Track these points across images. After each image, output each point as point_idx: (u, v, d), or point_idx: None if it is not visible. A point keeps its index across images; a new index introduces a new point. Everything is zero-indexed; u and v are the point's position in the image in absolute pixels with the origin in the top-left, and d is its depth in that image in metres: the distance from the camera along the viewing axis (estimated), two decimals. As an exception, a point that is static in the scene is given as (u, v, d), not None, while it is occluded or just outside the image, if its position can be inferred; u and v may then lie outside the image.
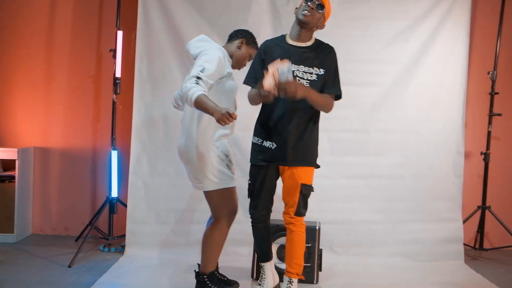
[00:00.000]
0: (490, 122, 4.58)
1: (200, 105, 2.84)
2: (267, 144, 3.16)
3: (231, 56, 3.34)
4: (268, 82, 2.77)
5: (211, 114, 2.82)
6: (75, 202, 4.81)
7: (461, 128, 4.42)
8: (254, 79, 3.12)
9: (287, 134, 3.09)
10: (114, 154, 4.32)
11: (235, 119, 2.78)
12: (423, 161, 4.40)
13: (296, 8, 3.13)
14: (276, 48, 3.11)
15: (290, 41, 3.13)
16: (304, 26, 3.06)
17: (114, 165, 4.31)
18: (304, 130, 3.13)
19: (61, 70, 4.74)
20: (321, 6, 3.04)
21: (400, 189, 4.39)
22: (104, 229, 4.54)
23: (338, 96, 3.22)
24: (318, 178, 4.12)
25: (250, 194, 3.26)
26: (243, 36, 3.36)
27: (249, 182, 3.26)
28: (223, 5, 4.31)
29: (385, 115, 4.39)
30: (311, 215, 3.94)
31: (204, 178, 3.17)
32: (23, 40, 4.73)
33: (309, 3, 3.01)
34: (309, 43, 3.13)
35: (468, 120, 4.65)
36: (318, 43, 3.17)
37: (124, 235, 4.33)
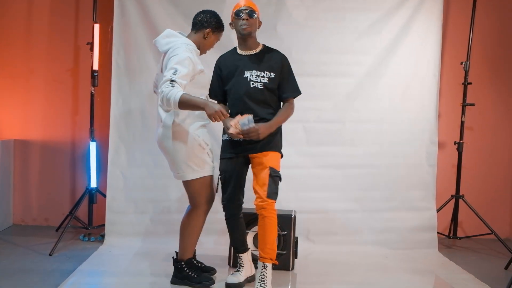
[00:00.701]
0: (463, 112, 4.64)
1: (186, 104, 2.94)
2: (235, 139, 3.27)
3: (198, 45, 3.34)
4: (232, 131, 3.08)
5: (202, 108, 2.94)
6: (55, 193, 4.86)
7: (434, 118, 4.48)
8: (215, 96, 3.40)
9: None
10: (93, 146, 4.37)
11: (226, 117, 2.96)
12: (397, 150, 4.46)
13: (230, 23, 3.33)
14: (228, 60, 3.34)
15: (240, 51, 3.34)
16: (248, 37, 3.27)
17: (93, 156, 4.36)
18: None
19: (40, 63, 4.77)
20: (252, 12, 3.22)
21: (375, 178, 4.46)
22: (84, 219, 4.60)
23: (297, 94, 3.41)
24: (294, 168, 4.30)
25: (222, 187, 3.35)
26: (209, 25, 3.35)
27: (220, 176, 3.36)
28: None
29: (360, 105, 4.44)
30: (287, 205, 4.05)
31: (186, 167, 3.23)
32: (0, 34, 4.75)
33: (241, 16, 3.21)
34: (257, 49, 3.33)
35: (441, 110, 4.73)
36: (266, 49, 3.36)
37: (103, 225, 4.39)
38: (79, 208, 4.44)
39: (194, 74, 3.17)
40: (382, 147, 4.46)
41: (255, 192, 3.25)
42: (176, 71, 3.01)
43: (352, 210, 4.45)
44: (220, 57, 3.43)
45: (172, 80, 2.97)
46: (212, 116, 2.90)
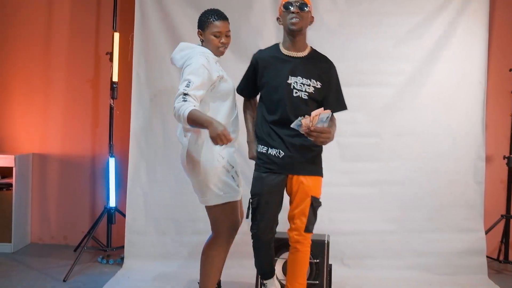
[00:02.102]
0: (513, 123, 4.25)
1: (194, 121, 2.61)
2: (273, 152, 2.91)
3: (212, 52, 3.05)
4: (305, 123, 2.62)
5: (206, 127, 2.60)
6: (75, 210, 4.64)
7: (481, 130, 4.12)
8: (241, 92, 3.09)
9: (295, 141, 2.87)
10: (112, 162, 4.14)
11: (230, 141, 2.60)
12: (440, 166, 4.12)
13: (278, 18, 2.95)
14: (271, 60, 2.94)
15: (285, 51, 2.94)
16: (298, 34, 2.88)
17: (112, 173, 4.13)
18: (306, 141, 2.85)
19: (59, 73, 4.59)
20: (304, 5, 2.84)
21: (416, 196, 4.12)
22: (103, 239, 4.36)
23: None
24: (327, 186, 3.85)
25: (253, 213, 2.94)
26: (197, 27, 3.05)
27: (251, 200, 2.95)
28: (223, 4, 3.94)
29: (398, 117, 4.13)
30: (319, 226, 3.65)
31: (208, 191, 2.92)
32: (20, 44, 4.60)
33: (291, 9, 2.82)
34: (305, 52, 2.95)
35: (488, 122, 4.34)
36: (315, 53, 3.00)
37: (123, 246, 4.14)
38: (97, 227, 4.20)
39: (213, 82, 2.86)
40: (424, 162, 4.12)
41: (291, 221, 2.91)
42: (190, 82, 2.72)
43: (391, 231, 4.11)
44: (259, 53, 3.01)
45: (185, 94, 2.68)
46: (214, 139, 2.55)
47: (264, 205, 2.89)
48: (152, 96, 4.15)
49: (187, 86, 2.71)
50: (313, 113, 2.60)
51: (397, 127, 4.13)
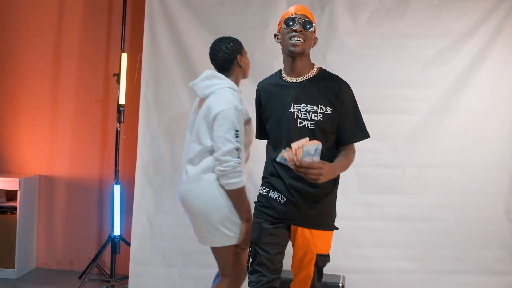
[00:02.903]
0: (551, 156, 3.87)
1: (239, 197, 2.65)
2: (274, 195, 2.52)
3: (238, 82, 2.93)
4: (287, 155, 2.24)
5: (244, 213, 2.70)
6: (81, 235, 4.47)
7: (514, 162, 3.79)
8: (260, 136, 2.78)
9: (301, 186, 2.45)
10: (117, 189, 3.95)
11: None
12: (469, 202, 3.79)
13: (276, 35, 2.55)
14: (273, 89, 2.55)
15: (286, 77, 2.52)
16: (299, 56, 2.45)
17: (116, 201, 3.95)
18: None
19: (68, 94, 4.43)
20: (308, 23, 2.43)
21: (441, 234, 3.81)
22: (109, 268, 4.16)
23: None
24: (344, 219, 3.57)
25: (250, 265, 2.55)
26: (236, 52, 2.88)
27: (250, 248, 2.59)
28: (237, 24, 3.86)
29: (423, 147, 3.83)
30: (335, 263, 3.34)
31: (215, 231, 2.71)
32: (28, 63, 4.46)
33: (293, 26, 2.41)
34: (311, 74, 2.50)
35: (523, 153, 3.97)
36: (323, 73, 2.53)
37: (128, 276, 3.94)
38: (102, 255, 4.03)
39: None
40: (450, 197, 3.81)
41: (294, 275, 2.61)
42: (238, 132, 2.65)
43: (413, 271, 3.80)
44: (260, 83, 2.67)
45: (237, 149, 2.63)
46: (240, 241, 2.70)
47: (262, 259, 2.47)
48: (160, 120, 3.95)
49: (237, 136, 2.61)
50: (294, 145, 2.21)
51: (422, 157, 3.83)
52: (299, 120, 2.42)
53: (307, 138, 2.25)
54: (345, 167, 2.48)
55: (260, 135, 2.75)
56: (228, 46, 2.86)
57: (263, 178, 2.65)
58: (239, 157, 2.61)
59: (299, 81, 2.48)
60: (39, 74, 4.45)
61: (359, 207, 3.82)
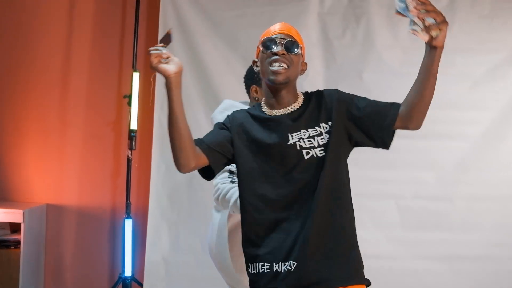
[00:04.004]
0: None
1: None
2: (281, 267, 1.82)
3: None
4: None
5: None
6: (92, 270, 4.10)
7: None
8: (199, 144, 1.93)
9: (306, 239, 1.80)
10: (128, 224, 3.61)
11: None
12: None
13: (254, 62, 2.00)
14: (254, 126, 1.95)
15: (269, 111, 1.94)
16: (284, 86, 1.91)
17: (128, 237, 3.60)
18: (331, 223, 1.84)
19: (77, 116, 4.09)
20: (293, 44, 1.89)
21: (495, 276, 3.48)
22: (121, 310, 3.81)
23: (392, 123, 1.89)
24: (384, 259, 3.37)
25: None
26: (251, 83, 2.58)
27: None
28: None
29: (474, 177, 3.50)
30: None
31: (238, 285, 2.53)
32: (35, 83, 4.13)
33: (274, 49, 1.86)
34: (299, 102, 1.94)
35: None
36: (308, 96, 1.99)
37: (141, 322, 3.60)
38: (114, 296, 3.66)
39: None
40: (506, 234, 3.48)
41: None
42: None
43: (464, 319, 3.43)
44: (233, 113, 2.03)
45: (231, 172, 2.37)
46: None
47: None
48: None
49: None
50: None
51: (473, 189, 3.50)
52: (304, 151, 1.86)
53: None
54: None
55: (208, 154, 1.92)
56: (249, 72, 2.61)
57: (244, 251, 1.94)
58: (233, 181, 2.36)
59: (287, 112, 1.93)
60: (46, 94, 4.13)
61: (400, 245, 3.52)
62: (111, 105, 4.07)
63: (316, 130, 1.89)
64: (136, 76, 3.61)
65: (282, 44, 1.87)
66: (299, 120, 1.91)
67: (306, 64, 2.00)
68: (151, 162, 3.64)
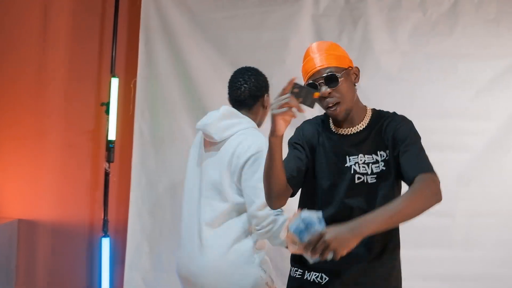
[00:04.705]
0: None
1: None
2: (311, 277, 1.95)
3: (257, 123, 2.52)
4: (290, 246, 1.74)
5: None
6: (68, 291, 3.88)
7: None
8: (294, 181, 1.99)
9: (350, 258, 1.80)
10: (106, 243, 3.37)
11: None
12: None
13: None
14: (318, 135, 2.01)
15: (336, 129, 1.99)
16: (346, 116, 1.93)
17: (105, 257, 3.36)
18: (379, 246, 1.94)
19: (53, 124, 3.86)
20: (332, 77, 1.86)
21: None
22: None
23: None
24: None
25: None
26: (264, 89, 2.54)
27: None
28: (252, 42, 3.40)
29: (477, 191, 3.29)
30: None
31: None
32: (9, 89, 3.90)
33: (321, 94, 1.85)
34: (365, 121, 1.97)
35: None
36: (376, 115, 2.01)
37: None
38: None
39: None
40: (510, 251, 3.25)
41: None
42: None
43: None
44: (305, 123, 2.11)
45: None
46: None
47: None
48: (158, 159, 3.41)
49: None
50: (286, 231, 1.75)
51: (476, 204, 3.29)
52: (357, 176, 1.92)
53: (298, 210, 1.85)
54: (396, 213, 1.72)
55: (294, 184, 1.98)
56: (259, 79, 2.49)
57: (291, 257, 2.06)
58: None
59: (352, 132, 1.97)
60: (20, 101, 3.90)
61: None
62: (90, 113, 3.84)
63: (370, 157, 1.93)
64: (114, 82, 3.38)
65: (323, 82, 1.86)
66: (360, 144, 1.94)
67: (356, 68, 1.98)
68: (131, 175, 3.41)
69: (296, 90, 1.70)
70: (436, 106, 3.29)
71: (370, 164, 1.92)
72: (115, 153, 3.43)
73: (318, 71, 1.86)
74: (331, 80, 1.85)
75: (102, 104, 3.44)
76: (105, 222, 3.41)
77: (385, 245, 1.94)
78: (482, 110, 3.27)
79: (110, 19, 3.61)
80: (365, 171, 1.92)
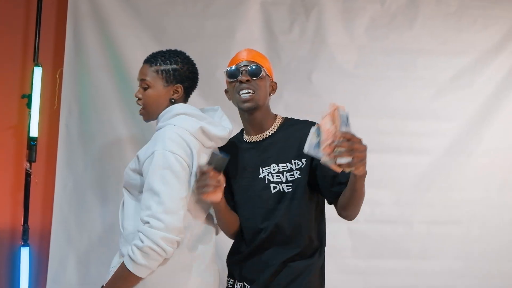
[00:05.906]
0: None
1: None
2: (238, 286, 2.09)
3: None
4: (325, 128, 1.62)
5: None
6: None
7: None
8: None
9: (271, 271, 1.99)
10: (25, 253, 2.94)
11: None
12: (492, 268, 3.16)
13: (226, 91, 2.13)
14: (233, 151, 2.10)
15: (247, 137, 2.13)
16: (254, 110, 2.05)
17: (24, 270, 2.94)
18: (301, 262, 2.00)
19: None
20: (257, 68, 2.01)
21: None
22: None
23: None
24: None
25: None
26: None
27: None
28: (194, 31, 3.10)
29: (436, 197, 3.17)
30: None
31: None
32: None
33: (239, 78, 2.00)
34: (274, 127, 2.10)
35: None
36: (289, 122, 2.14)
37: None
38: None
39: None
40: (471, 260, 3.16)
41: None
42: None
43: None
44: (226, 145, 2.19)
45: None
46: None
47: None
48: (87, 160, 3.03)
49: None
50: (330, 106, 1.64)
51: (435, 211, 3.16)
52: (272, 185, 2.01)
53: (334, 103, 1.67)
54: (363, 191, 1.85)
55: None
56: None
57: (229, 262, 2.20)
58: None
59: (261, 139, 2.10)
60: None
61: (353, 275, 3.11)
62: (11, 107, 3.38)
63: (284, 166, 2.00)
64: (37, 71, 2.96)
65: (246, 71, 2.01)
66: (271, 152, 2.03)
67: (275, 83, 2.13)
68: (55, 177, 3.02)
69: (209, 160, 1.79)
70: (393, 105, 3.13)
71: (284, 173, 2.00)
72: (38, 152, 3.02)
73: (245, 61, 2.02)
74: (254, 71, 2.00)
75: (23, 97, 3.02)
76: (25, 229, 2.97)
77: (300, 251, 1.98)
78: (443, 110, 3.15)
79: (35, 1, 3.21)
80: (280, 180, 1.99)
